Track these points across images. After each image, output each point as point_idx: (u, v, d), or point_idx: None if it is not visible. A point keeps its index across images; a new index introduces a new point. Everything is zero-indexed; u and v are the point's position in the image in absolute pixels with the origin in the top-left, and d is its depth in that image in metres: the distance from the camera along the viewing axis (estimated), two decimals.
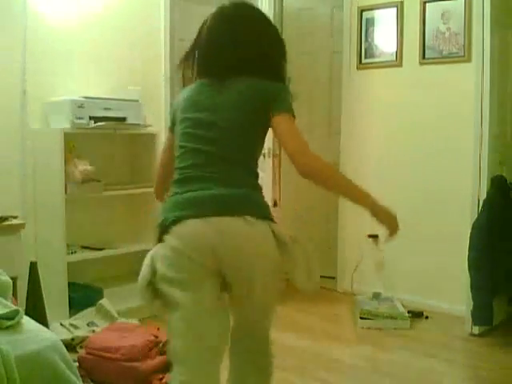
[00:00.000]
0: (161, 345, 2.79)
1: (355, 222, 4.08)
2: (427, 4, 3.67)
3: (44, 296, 2.94)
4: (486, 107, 3.21)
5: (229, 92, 1.75)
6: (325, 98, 4.47)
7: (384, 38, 3.91)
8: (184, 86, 1.90)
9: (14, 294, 2.47)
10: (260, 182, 1.78)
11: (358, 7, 3.99)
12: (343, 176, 1.80)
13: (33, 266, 2.94)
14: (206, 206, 1.66)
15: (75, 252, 3.27)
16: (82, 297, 3.30)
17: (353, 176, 1.70)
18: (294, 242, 1.75)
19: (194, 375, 1.67)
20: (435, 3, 3.64)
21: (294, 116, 1.75)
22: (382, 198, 1.65)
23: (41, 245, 3.29)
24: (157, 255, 1.69)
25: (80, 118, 3.12)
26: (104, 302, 3.23)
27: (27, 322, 1.90)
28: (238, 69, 1.77)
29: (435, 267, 3.75)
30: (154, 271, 1.68)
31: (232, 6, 1.85)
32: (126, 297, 3.49)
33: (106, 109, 3.26)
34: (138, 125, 3.42)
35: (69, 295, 3.17)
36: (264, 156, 3.72)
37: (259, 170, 1.86)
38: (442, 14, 3.62)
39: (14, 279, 2.54)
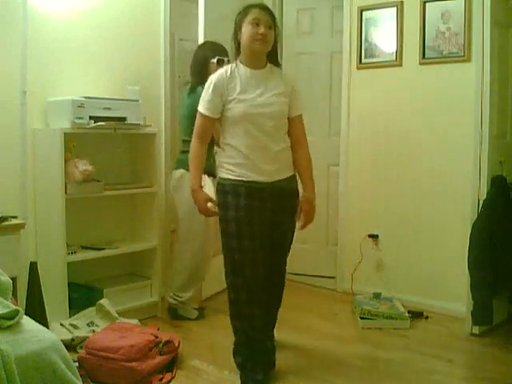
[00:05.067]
0: (161, 345, 2.79)
1: (355, 222, 4.08)
2: (427, 4, 3.67)
3: (44, 296, 2.94)
4: (485, 107, 3.21)
5: None
6: (325, 98, 4.46)
7: (384, 38, 3.90)
8: None
9: (14, 294, 2.46)
10: None
11: (358, 7, 3.98)
12: None
13: (33, 266, 2.95)
14: None
15: (75, 252, 3.27)
16: (81, 297, 3.30)
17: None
18: None
19: None
20: (435, 3, 3.64)
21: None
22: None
23: (41, 245, 3.28)
24: None
25: (80, 118, 3.12)
26: (104, 302, 3.23)
27: (27, 322, 1.90)
28: None
29: (435, 267, 3.75)
30: None
31: None
32: (126, 297, 3.50)
33: (105, 109, 3.26)
34: (138, 125, 3.42)
35: (69, 295, 3.17)
36: None
37: None
38: (442, 14, 3.62)
39: (14, 279, 2.54)
